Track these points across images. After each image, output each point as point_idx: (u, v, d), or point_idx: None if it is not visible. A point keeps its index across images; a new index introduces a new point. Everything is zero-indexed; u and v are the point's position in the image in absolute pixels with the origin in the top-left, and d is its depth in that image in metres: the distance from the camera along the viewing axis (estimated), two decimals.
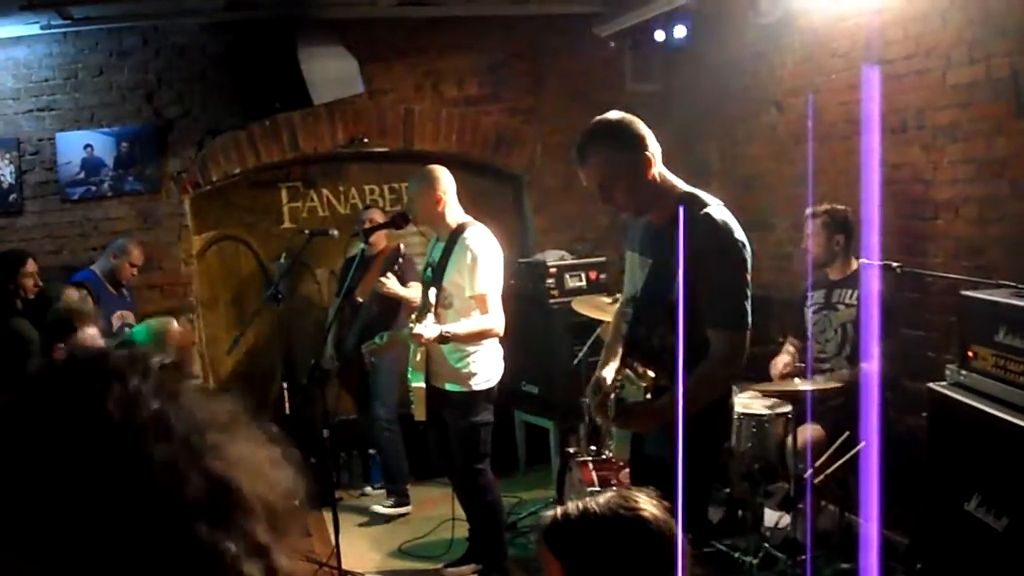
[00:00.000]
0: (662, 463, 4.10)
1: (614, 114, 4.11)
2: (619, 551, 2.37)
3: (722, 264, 3.92)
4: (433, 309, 6.09)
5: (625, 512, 2.40)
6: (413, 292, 7.49)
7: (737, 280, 3.93)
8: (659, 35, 8.13)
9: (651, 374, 3.80)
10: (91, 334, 5.18)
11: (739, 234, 3.94)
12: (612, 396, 3.92)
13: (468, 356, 6.12)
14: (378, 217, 7.84)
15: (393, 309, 7.74)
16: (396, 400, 8.07)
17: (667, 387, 3.94)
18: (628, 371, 3.89)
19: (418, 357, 6.22)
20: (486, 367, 6.19)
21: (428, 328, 5.86)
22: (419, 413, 6.40)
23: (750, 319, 3.96)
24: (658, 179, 4.04)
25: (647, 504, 2.43)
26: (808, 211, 6.41)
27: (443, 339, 5.91)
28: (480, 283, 6.01)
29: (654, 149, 4.03)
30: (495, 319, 6.05)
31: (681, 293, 3.89)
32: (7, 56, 8.16)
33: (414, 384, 6.33)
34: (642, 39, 8.43)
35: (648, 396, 3.81)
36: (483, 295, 6.02)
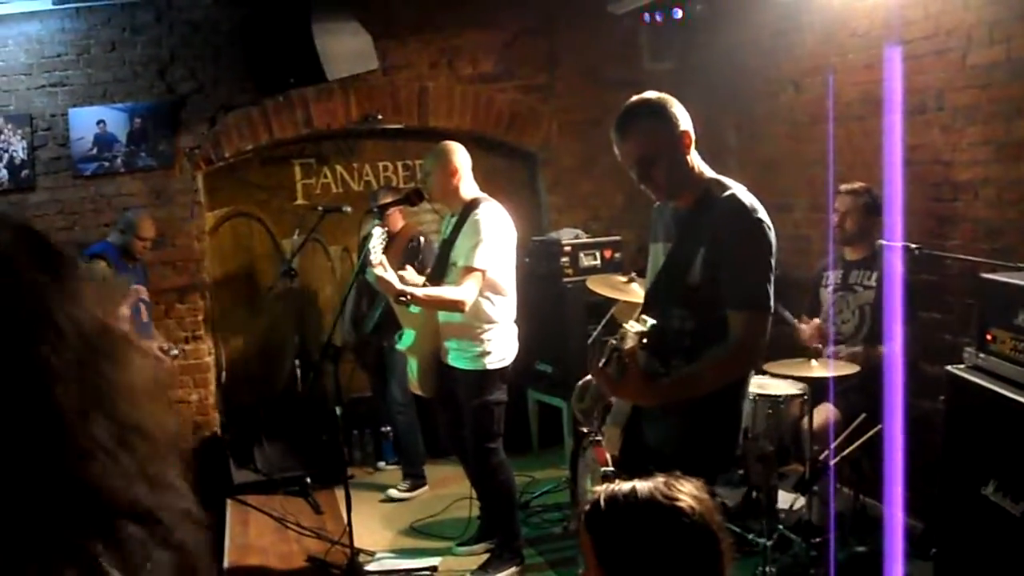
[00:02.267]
0: (661, 455, 4.06)
1: (653, 93, 4.07)
2: (647, 540, 2.34)
3: (745, 244, 3.86)
4: (431, 271, 6.10)
5: (662, 500, 2.36)
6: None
7: (760, 261, 3.87)
8: (678, 13, 8.08)
9: (651, 321, 3.74)
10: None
11: (763, 216, 3.88)
12: (610, 344, 3.85)
13: (482, 334, 6.11)
14: (391, 198, 7.82)
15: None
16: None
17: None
18: (631, 322, 3.84)
19: (416, 334, 6.22)
20: (500, 346, 6.18)
21: (389, 274, 5.77)
22: (415, 386, 6.47)
23: (772, 302, 3.89)
24: (691, 162, 4.01)
25: (688, 496, 2.39)
26: (843, 187, 6.36)
27: (400, 298, 5.84)
28: (476, 257, 5.95)
29: (690, 129, 4.00)
30: (465, 293, 5.91)
31: (704, 277, 3.86)
32: (19, 31, 8.14)
33: (400, 347, 6.37)
34: (658, 16, 8.37)
35: (644, 342, 3.73)
36: (470, 268, 5.94)
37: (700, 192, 3.99)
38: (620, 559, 2.35)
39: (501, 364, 6.20)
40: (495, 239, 6.03)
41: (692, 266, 3.90)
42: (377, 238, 5.85)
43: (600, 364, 3.88)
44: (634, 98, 4.08)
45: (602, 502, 2.41)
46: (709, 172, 4.07)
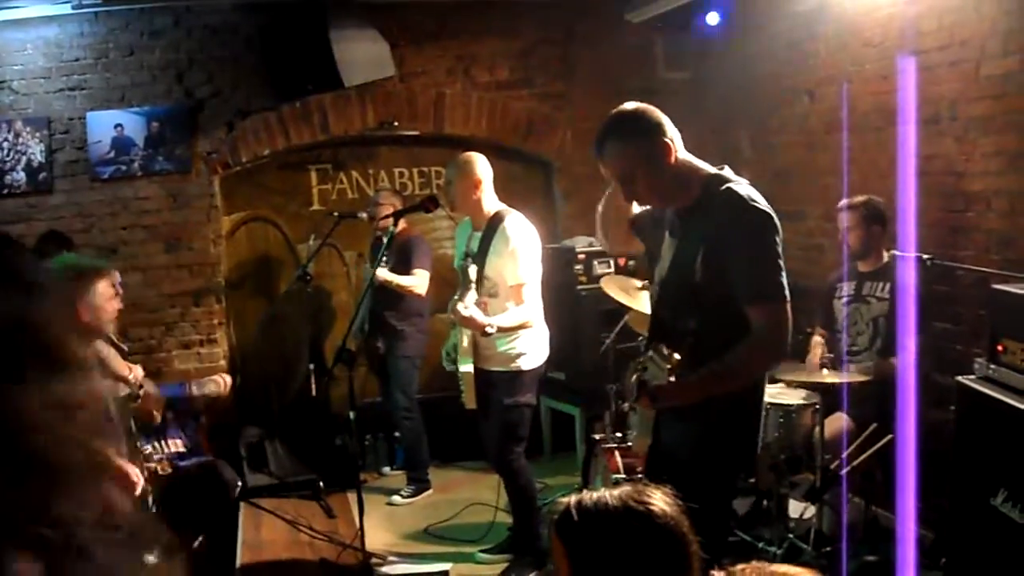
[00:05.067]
0: (676, 459, 4.07)
1: (629, 105, 4.07)
2: (621, 544, 2.35)
3: (749, 238, 3.83)
4: (473, 288, 6.10)
5: (635, 505, 2.38)
6: (408, 280, 7.54)
7: (767, 252, 3.82)
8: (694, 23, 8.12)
9: (677, 356, 3.73)
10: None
11: (764, 206, 3.84)
12: (634, 378, 3.87)
13: (517, 338, 6.18)
14: (389, 199, 7.86)
15: (394, 296, 7.77)
16: (416, 387, 8.09)
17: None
18: (652, 352, 3.84)
19: (465, 342, 6.25)
20: (533, 348, 6.25)
21: (472, 311, 5.87)
22: (469, 401, 6.41)
23: (787, 291, 3.83)
24: (680, 165, 3.98)
25: (659, 500, 2.40)
26: (842, 203, 6.38)
27: (485, 332, 5.93)
28: (520, 272, 6.08)
29: (672, 135, 3.97)
30: (530, 311, 6.12)
31: (706, 274, 3.86)
32: (38, 35, 8.19)
33: (462, 369, 6.34)
34: (674, 26, 8.40)
35: (672, 379, 3.73)
36: (521, 284, 6.08)
37: (699, 190, 3.98)
38: (596, 564, 2.36)
39: (535, 365, 6.28)
40: (529, 250, 6.14)
41: (695, 264, 3.90)
42: (471, 274, 6.04)
43: (632, 400, 3.90)
44: (610, 114, 4.07)
45: (573, 510, 2.42)
46: (708, 168, 4.04)
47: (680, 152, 4.00)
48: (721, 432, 3.96)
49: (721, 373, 3.85)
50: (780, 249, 3.86)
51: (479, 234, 6.29)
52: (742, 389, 3.96)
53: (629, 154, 3.97)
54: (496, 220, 6.22)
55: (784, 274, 3.83)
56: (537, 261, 6.21)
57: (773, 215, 3.85)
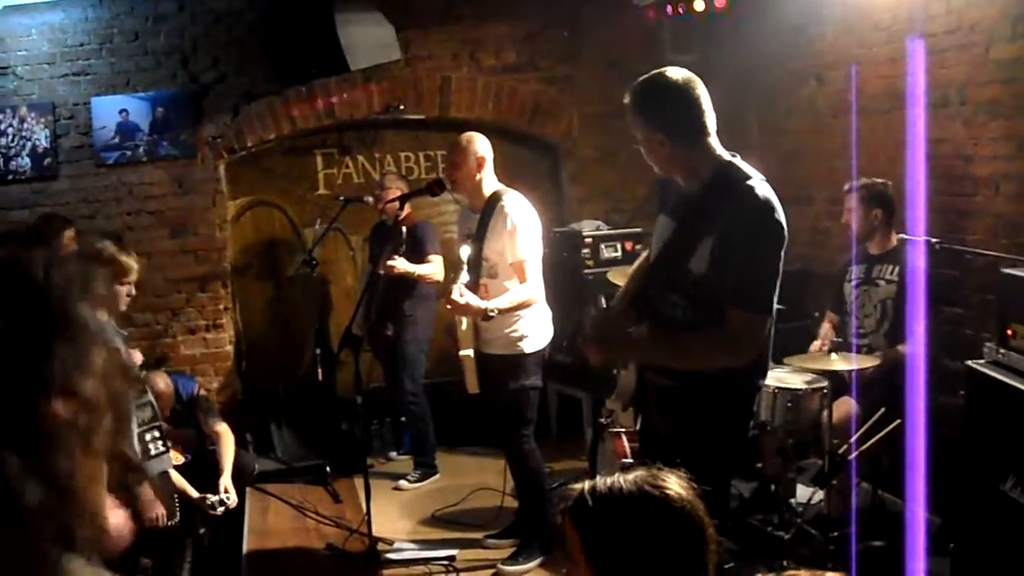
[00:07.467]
0: (670, 441, 4.06)
1: (681, 72, 4.03)
2: (638, 529, 2.33)
3: (756, 241, 3.77)
4: (464, 271, 6.08)
5: (650, 489, 2.36)
6: (427, 268, 7.54)
7: (768, 261, 3.79)
8: (699, 5, 8.06)
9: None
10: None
11: (779, 214, 3.78)
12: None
13: (518, 321, 6.14)
14: (395, 183, 7.82)
15: (409, 282, 7.74)
16: (423, 372, 8.08)
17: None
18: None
19: (463, 326, 6.22)
20: (535, 329, 6.22)
21: (467, 297, 5.84)
22: (471, 385, 6.38)
23: (774, 307, 3.81)
24: (705, 145, 3.96)
25: (675, 484, 2.38)
26: (846, 186, 6.36)
27: (487, 316, 5.90)
28: (520, 249, 6.03)
29: (709, 116, 3.96)
30: (533, 288, 6.08)
31: (713, 267, 3.81)
32: (43, 21, 8.17)
33: (462, 353, 6.31)
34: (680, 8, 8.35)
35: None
36: (522, 261, 6.04)
37: (709, 175, 3.94)
38: (612, 551, 2.34)
39: (538, 347, 6.25)
40: (528, 226, 6.10)
41: (694, 253, 3.84)
42: (462, 255, 5.98)
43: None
44: (662, 69, 4.05)
45: (588, 497, 2.40)
46: (725, 155, 4.00)
47: (710, 133, 3.97)
48: (712, 415, 3.94)
49: (676, 347, 3.90)
50: (780, 264, 3.83)
51: (477, 215, 6.29)
52: (735, 372, 3.92)
53: (662, 111, 3.96)
54: (494, 199, 6.20)
55: (776, 291, 3.81)
56: (537, 239, 6.17)
57: (785, 225, 3.82)
